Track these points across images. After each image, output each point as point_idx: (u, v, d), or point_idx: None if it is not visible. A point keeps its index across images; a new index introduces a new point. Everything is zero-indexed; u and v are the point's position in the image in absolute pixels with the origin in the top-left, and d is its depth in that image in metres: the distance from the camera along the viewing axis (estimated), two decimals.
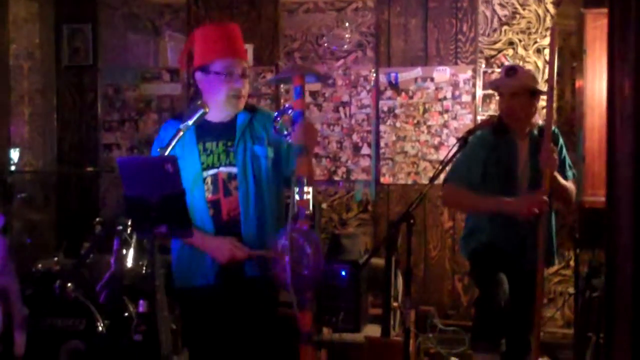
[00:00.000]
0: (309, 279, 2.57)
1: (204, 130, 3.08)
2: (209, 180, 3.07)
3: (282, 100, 5.58)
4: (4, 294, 3.58)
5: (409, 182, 5.51)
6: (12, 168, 5.42)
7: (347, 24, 5.64)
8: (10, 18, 5.56)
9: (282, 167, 3.09)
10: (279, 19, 5.75)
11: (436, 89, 5.47)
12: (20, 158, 5.71)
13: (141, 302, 4.02)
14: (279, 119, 2.84)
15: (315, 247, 2.59)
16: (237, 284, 3.04)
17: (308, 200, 2.62)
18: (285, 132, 2.81)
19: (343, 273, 4.61)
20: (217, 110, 3.08)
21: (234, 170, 3.07)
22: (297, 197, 2.61)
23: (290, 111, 2.75)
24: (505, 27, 5.40)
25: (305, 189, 2.63)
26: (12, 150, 5.54)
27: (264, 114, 3.17)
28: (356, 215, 5.63)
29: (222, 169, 3.08)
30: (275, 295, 3.10)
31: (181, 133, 2.91)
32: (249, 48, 5.70)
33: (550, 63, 3.65)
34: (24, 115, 5.84)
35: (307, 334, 2.59)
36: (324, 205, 5.60)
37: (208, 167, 3.08)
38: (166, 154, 2.82)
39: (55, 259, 4.78)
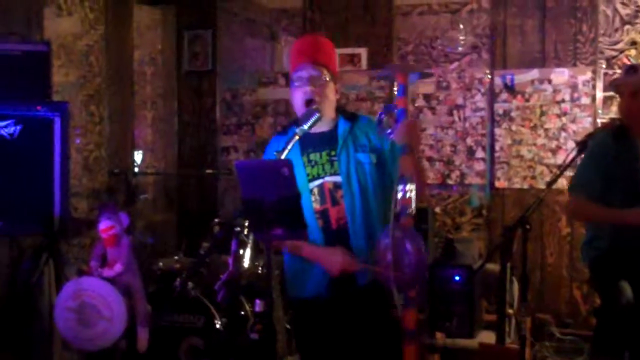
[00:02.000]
0: (411, 277, 2.57)
1: (307, 142, 3.09)
2: (315, 190, 3.09)
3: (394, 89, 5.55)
4: (128, 291, 3.74)
5: (525, 186, 5.40)
6: (136, 170, 5.64)
7: (461, 26, 5.59)
8: (135, 25, 5.80)
9: (388, 170, 3.07)
10: (393, 22, 5.75)
11: (554, 91, 5.33)
12: (143, 160, 5.94)
13: (257, 301, 4.11)
14: (383, 117, 2.84)
15: (417, 245, 2.58)
16: (349, 294, 3.05)
17: (411, 198, 2.61)
18: (389, 131, 2.80)
19: (457, 278, 4.57)
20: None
21: (339, 179, 3.07)
22: (399, 195, 2.61)
23: (394, 109, 2.74)
24: (628, 26, 5.20)
25: (408, 186, 2.62)
26: (135, 153, 5.76)
27: (365, 120, 3.15)
28: (470, 219, 5.56)
29: (327, 178, 3.09)
30: (388, 299, 3.10)
31: (297, 137, 2.94)
32: (363, 52, 5.73)
33: None
34: (147, 119, 6.08)
35: (411, 332, 2.58)
36: (437, 209, 5.56)
37: (314, 178, 3.10)
38: (282, 157, 2.87)
39: (176, 258, 4.96)
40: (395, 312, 2.67)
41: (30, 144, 3.84)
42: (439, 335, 4.51)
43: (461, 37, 5.59)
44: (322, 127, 3.10)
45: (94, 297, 3.61)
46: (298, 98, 3.06)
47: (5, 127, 3.79)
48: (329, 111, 3.10)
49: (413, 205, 2.62)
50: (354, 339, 3.04)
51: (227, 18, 6.20)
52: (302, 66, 3.07)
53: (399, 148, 2.74)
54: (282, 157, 2.85)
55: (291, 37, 6.01)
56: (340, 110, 3.18)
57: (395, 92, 2.79)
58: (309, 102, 3.03)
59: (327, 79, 3.08)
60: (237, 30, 6.19)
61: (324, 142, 3.10)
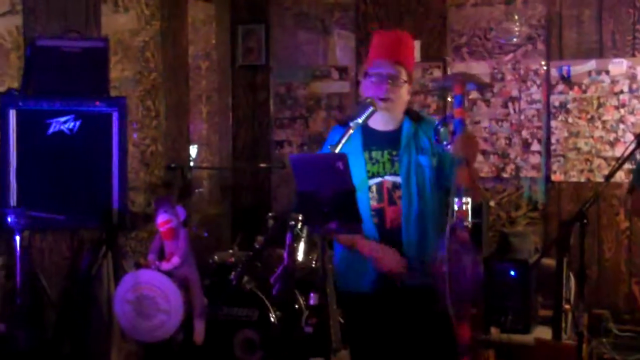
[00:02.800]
0: (467, 292, 2.56)
1: (370, 138, 3.10)
2: (374, 188, 3.10)
3: (448, 98, 5.53)
4: (185, 284, 3.79)
5: (582, 179, 5.31)
6: (191, 164, 5.71)
7: (516, 17, 5.51)
8: (189, 21, 5.86)
9: (446, 176, 3.05)
10: (447, 14, 5.70)
11: (612, 82, 5.23)
12: (198, 154, 6.01)
13: (312, 295, 4.13)
14: (440, 128, 2.83)
15: (474, 259, 2.56)
16: (395, 293, 3.05)
17: (467, 211, 2.59)
18: (445, 142, 2.79)
19: (512, 272, 4.52)
20: (381, 117, 3.09)
21: (398, 179, 3.07)
22: (455, 207, 2.59)
23: (451, 120, 2.72)
24: None
25: (464, 199, 2.60)
26: (191, 147, 5.83)
27: (429, 123, 3.13)
28: (525, 213, 5.50)
29: (387, 177, 3.09)
30: (435, 305, 3.08)
31: (351, 131, 2.94)
32: (416, 44, 5.70)
33: None
34: (202, 113, 6.14)
35: (466, 346, 2.57)
36: (492, 203, 5.50)
37: (373, 176, 3.11)
38: (336, 151, 2.87)
39: (230, 251, 5.01)
40: (445, 308, 2.66)
41: (89, 139, 3.91)
42: (493, 330, 4.47)
43: (516, 28, 5.51)
44: (388, 125, 3.10)
45: (152, 290, 3.67)
46: (371, 93, 3.06)
47: (65, 122, 3.87)
48: (399, 111, 3.11)
49: (469, 217, 2.61)
50: (398, 336, 3.04)
51: (280, 12, 6.22)
52: (382, 63, 3.06)
53: (455, 160, 2.73)
54: (337, 150, 2.86)
55: (344, 30, 6.01)
56: (406, 110, 3.17)
57: (452, 102, 2.76)
58: (383, 101, 3.03)
59: (404, 79, 3.08)
60: (290, 24, 6.21)
61: (388, 141, 3.10)
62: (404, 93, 3.10)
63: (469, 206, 2.60)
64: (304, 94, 6.14)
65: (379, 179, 3.09)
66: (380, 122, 3.10)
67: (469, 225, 2.60)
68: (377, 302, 3.07)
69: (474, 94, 5.54)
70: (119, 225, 3.97)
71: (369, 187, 3.09)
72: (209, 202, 6.11)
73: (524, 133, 5.47)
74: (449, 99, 5.40)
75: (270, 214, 4.90)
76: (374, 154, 3.11)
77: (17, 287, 3.02)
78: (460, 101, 2.67)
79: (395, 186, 3.07)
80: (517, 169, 5.49)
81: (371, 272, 3.06)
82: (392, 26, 5.59)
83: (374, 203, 3.08)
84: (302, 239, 4.54)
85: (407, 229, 3.03)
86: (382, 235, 3.06)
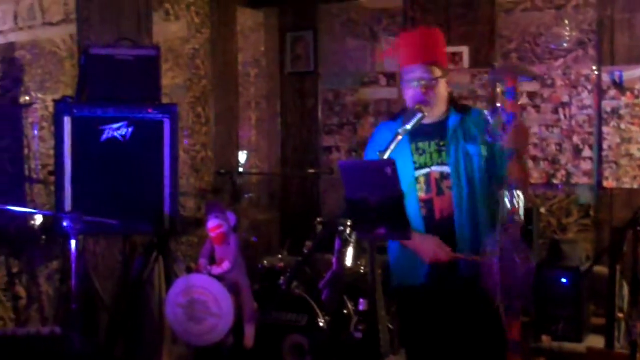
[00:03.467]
0: (517, 288, 2.54)
1: (417, 130, 3.10)
2: (421, 179, 3.10)
3: (498, 103, 5.48)
4: (235, 289, 3.82)
5: (635, 186, 5.22)
6: (240, 170, 5.76)
7: (566, 22, 5.45)
8: (239, 28, 5.92)
9: (496, 166, 3.04)
10: (496, 20, 5.66)
11: None
12: (247, 160, 6.07)
13: (361, 300, 4.14)
14: (491, 120, 2.82)
15: (525, 255, 2.54)
16: (451, 285, 3.04)
17: (518, 206, 2.58)
18: (497, 135, 2.78)
19: (564, 280, 4.47)
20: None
21: (446, 169, 3.07)
22: (507, 202, 2.58)
23: (502, 113, 2.71)
24: None
25: (516, 194, 2.59)
26: (240, 153, 5.89)
27: (477, 112, 3.13)
28: (577, 220, 5.42)
29: (434, 168, 3.09)
30: (488, 300, 3.07)
31: (400, 137, 2.95)
32: (465, 50, 5.67)
33: None
34: (251, 120, 6.20)
35: (516, 342, 2.55)
36: (542, 210, 5.44)
37: (421, 167, 3.11)
38: (385, 157, 2.88)
39: (279, 256, 5.03)
40: (497, 305, 2.65)
41: (142, 145, 3.96)
42: (544, 338, 4.42)
43: (566, 33, 5.45)
44: (433, 118, 3.11)
45: (203, 294, 3.71)
46: (409, 96, 3.10)
47: (118, 129, 3.93)
48: (440, 105, 3.12)
49: (521, 213, 2.59)
50: (455, 329, 3.03)
51: (328, 19, 6.25)
52: (413, 68, 3.08)
53: (507, 153, 2.72)
54: (385, 156, 2.87)
55: (392, 37, 6.01)
56: (452, 102, 3.18)
57: (499, 91, 2.76)
58: (419, 103, 3.04)
59: (438, 76, 3.09)
60: (338, 31, 6.23)
61: (434, 132, 3.11)
62: (440, 89, 3.11)
63: (521, 201, 2.58)
64: (352, 100, 6.15)
65: (426, 170, 3.10)
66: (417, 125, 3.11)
67: (521, 221, 2.58)
68: (431, 295, 3.07)
69: (524, 100, 5.49)
70: (170, 230, 4.01)
71: (416, 179, 3.09)
72: (258, 208, 6.16)
73: (575, 139, 5.40)
74: (498, 90, 5.39)
75: (318, 220, 4.91)
76: (420, 145, 3.12)
77: (72, 290, 3.07)
78: (512, 94, 2.66)
79: (444, 176, 3.07)
80: (568, 175, 5.42)
81: (424, 265, 3.06)
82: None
83: (421, 194, 3.08)
84: (351, 245, 4.54)
85: (460, 218, 3.03)
86: (431, 227, 3.06)
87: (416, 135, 3.11)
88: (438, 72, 3.09)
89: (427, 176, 3.10)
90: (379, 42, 6.09)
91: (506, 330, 2.59)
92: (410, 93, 3.09)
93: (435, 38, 3.17)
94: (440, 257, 2.99)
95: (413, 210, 3.05)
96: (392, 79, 5.97)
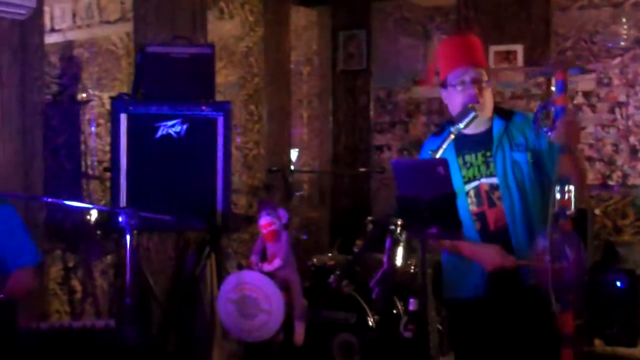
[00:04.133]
0: (569, 282, 2.51)
1: (462, 143, 3.07)
2: (471, 193, 3.07)
3: (552, 87, 5.40)
4: (286, 286, 3.84)
5: None
6: (292, 167, 5.79)
7: (624, 20, 5.36)
8: (292, 26, 5.95)
9: (546, 168, 2.99)
10: (551, 18, 5.58)
11: None
12: (298, 158, 6.09)
13: (411, 300, 4.12)
14: (540, 114, 2.78)
15: (577, 249, 2.51)
16: (512, 295, 3.00)
17: (570, 199, 2.55)
18: (546, 129, 2.74)
19: (618, 283, 4.39)
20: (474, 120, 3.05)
21: (495, 180, 3.03)
22: (558, 196, 2.55)
23: (551, 107, 2.68)
24: None
25: (567, 188, 2.56)
26: (291, 151, 5.91)
27: (520, 118, 3.07)
28: (633, 222, 5.32)
29: (483, 180, 3.05)
30: (545, 303, 3.03)
31: (452, 137, 2.93)
32: (519, 49, 5.60)
33: None
34: (303, 117, 6.23)
35: (569, 336, 2.52)
36: (597, 211, 5.36)
37: (469, 180, 3.07)
38: (437, 156, 2.87)
39: (330, 254, 5.05)
40: (555, 319, 2.62)
41: (196, 142, 4.00)
42: (597, 342, 4.35)
43: (624, 31, 5.36)
44: (478, 127, 3.07)
45: (255, 291, 3.73)
46: (459, 101, 3.03)
47: (173, 126, 3.98)
48: (487, 112, 3.07)
49: (572, 207, 2.56)
50: (511, 342, 3.00)
51: (381, 17, 6.24)
52: (463, 70, 3.03)
53: (557, 147, 2.68)
54: (437, 156, 2.85)
55: (445, 35, 5.97)
56: (495, 108, 3.14)
57: (554, 89, 2.72)
58: (472, 103, 3.00)
59: (486, 79, 3.05)
60: (391, 30, 6.22)
61: (480, 143, 3.07)
62: (489, 94, 3.08)
63: (572, 195, 2.55)
64: (404, 98, 6.14)
65: (475, 183, 3.07)
66: (470, 126, 3.07)
67: (573, 214, 2.56)
68: (489, 306, 3.04)
69: (579, 99, 5.41)
70: (222, 226, 4.04)
71: (467, 193, 3.06)
72: (309, 206, 6.18)
73: (632, 139, 5.30)
74: (552, 88, 5.32)
75: (369, 218, 4.91)
76: (467, 157, 3.08)
77: (126, 285, 3.13)
78: (562, 87, 2.63)
79: (493, 187, 3.04)
80: (624, 176, 5.33)
81: (479, 276, 3.03)
82: (494, 31, 5.53)
83: (473, 208, 3.06)
84: (401, 244, 4.53)
85: (515, 228, 2.99)
86: (486, 239, 3.02)
87: (462, 147, 3.08)
88: (485, 76, 3.06)
89: (477, 189, 3.06)
90: (432, 40, 6.05)
91: (559, 327, 2.56)
92: (460, 97, 3.04)
93: (478, 44, 3.14)
94: (505, 264, 2.95)
95: (466, 224, 3.00)
96: None
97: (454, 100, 3.06)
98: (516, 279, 2.97)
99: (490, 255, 2.97)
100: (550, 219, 2.54)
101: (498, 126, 3.07)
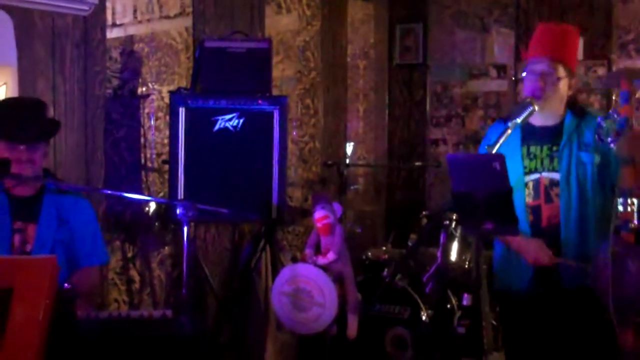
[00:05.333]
0: (631, 297, 2.47)
1: (529, 133, 3.05)
2: (530, 184, 3.04)
3: (613, 97, 5.31)
4: (340, 279, 3.85)
5: None
6: (347, 161, 5.80)
7: None
8: (349, 20, 5.95)
9: (611, 173, 2.94)
10: (613, 10, 5.47)
11: None
12: (354, 152, 6.10)
13: (465, 295, 4.11)
14: (602, 124, 2.74)
15: (639, 261, 2.47)
16: (553, 293, 2.97)
17: (632, 212, 2.50)
18: (609, 140, 2.70)
19: None
20: (539, 113, 3.02)
21: (556, 176, 3.00)
22: (620, 208, 2.51)
23: (615, 117, 2.63)
24: None
25: (630, 200, 2.52)
26: (347, 145, 5.93)
27: (593, 118, 3.03)
28: None
29: (544, 174, 3.02)
30: (598, 308, 2.98)
31: (509, 131, 2.91)
32: (580, 42, 5.50)
33: None
34: (359, 111, 6.23)
35: (630, 354, 2.48)
36: None
37: (530, 172, 3.05)
38: (494, 151, 2.85)
39: (384, 248, 5.05)
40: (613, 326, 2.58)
41: (252, 136, 4.04)
42: None
43: None
44: (548, 121, 3.05)
45: (309, 283, 3.74)
46: (526, 89, 3.03)
47: (230, 120, 4.03)
48: (557, 106, 3.04)
49: (635, 219, 2.52)
50: (560, 339, 2.97)
51: (438, 11, 6.20)
52: (538, 60, 3.02)
53: (620, 159, 2.64)
54: (494, 151, 2.84)
55: (503, 28, 5.90)
56: (570, 104, 3.10)
57: (619, 100, 2.67)
58: (532, 97, 2.98)
59: (561, 76, 3.01)
60: (448, 23, 6.17)
61: (548, 135, 3.04)
62: (561, 89, 3.03)
63: (635, 207, 2.51)
64: (460, 92, 6.09)
65: (536, 175, 3.04)
66: (539, 117, 3.04)
67: (635, 228, 2.51)
68: (534, 302, 3.02)
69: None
70: (277, 219, 4.08)
71: (525, 184, 3.04)
72: (364, 199, 6.18)
73: None
74: (614, 98, 5.21)
75: (424, 213, 4.90)
76: (532, 148, 3.06)
77: (183, 276, 3.18)
78: (627, 98, 2.58)
79: (553, 183, 3.01)
80: None
81: (528, 270, 3.01)
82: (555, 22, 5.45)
83: (529, 200, 3.04)
84: (456, 239, 4.52)
85: (567, 228, 2.96)
86: (536, 233, 3.01)
87: (529, 138, 3.05)
88: (562, 72, 3.02)
89: (537, 182, 3.04)
90: (490, 33, 5.99)
91: (619, 341, 2.53)
92: (526, 86, 3.03)
93: (570, 37, 3.09)
94: (542, 259, 2.93)
95: (520, 215, 2.97)
96: (503, 70, 5.87)
97: (524, 87, 3.07)
98: (556, 276, 2.94)
99: (531, 249, 2.95)
100: (612, 228, 2.50)
101: (569, 122, 3.04)
